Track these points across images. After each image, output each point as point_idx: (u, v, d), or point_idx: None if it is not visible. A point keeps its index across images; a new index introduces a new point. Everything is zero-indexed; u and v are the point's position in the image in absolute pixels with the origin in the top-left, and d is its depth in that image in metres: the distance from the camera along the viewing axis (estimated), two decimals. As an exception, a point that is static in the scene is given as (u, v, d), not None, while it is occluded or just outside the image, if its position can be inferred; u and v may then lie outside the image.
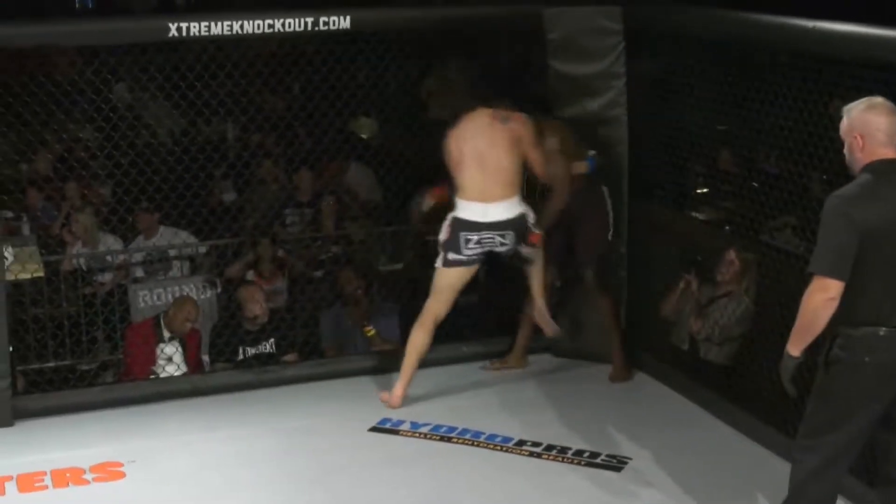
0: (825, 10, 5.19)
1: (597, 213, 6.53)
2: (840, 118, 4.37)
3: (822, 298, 4.18)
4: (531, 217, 6.23)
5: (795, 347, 4.30)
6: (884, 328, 4.21)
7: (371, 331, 7.28)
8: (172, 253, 7.73)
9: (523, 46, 7.29)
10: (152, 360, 6.95)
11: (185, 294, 7.46)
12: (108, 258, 7.64)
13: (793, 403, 5.42)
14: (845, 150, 4.34)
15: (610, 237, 6.59)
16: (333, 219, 8.15)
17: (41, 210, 7.75)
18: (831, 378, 4.31)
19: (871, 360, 4.22)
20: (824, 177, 5.71)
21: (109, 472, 5.72)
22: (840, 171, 5.26)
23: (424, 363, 6.47)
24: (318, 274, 7.92)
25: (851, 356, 4.25)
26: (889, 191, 4.20)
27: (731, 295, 6.17)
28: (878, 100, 4.30)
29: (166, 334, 6.98)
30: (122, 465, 5.77)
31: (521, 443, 5.95)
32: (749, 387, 5.99)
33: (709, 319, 6.21)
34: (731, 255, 6.16)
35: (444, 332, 6.44)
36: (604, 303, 6.64)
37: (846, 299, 4.19)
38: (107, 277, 7.70)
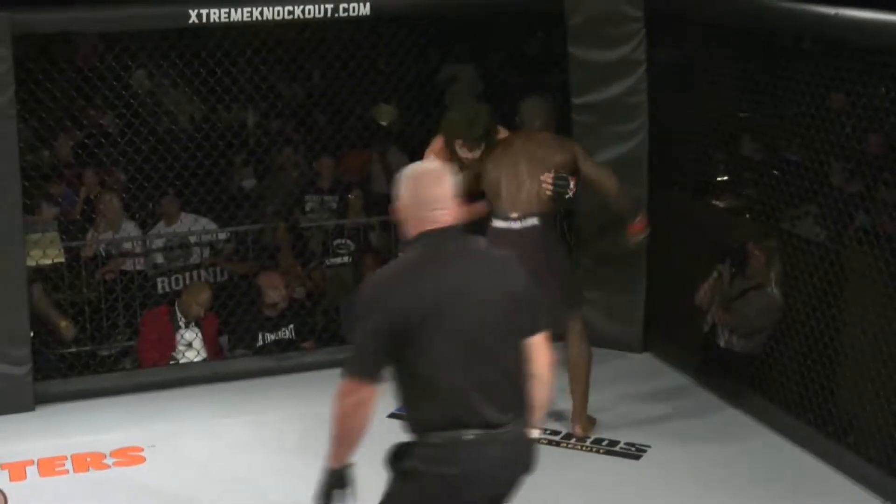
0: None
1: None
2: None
3: (348, 403, 3.54)
4: None
5: (335, 459, 3.64)
6: (471, 431, 3.53)
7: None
8: (193, 239, 7.74)
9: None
10: (170, 345, 6.97)
11: (199, 281, 7.48)
12: (129, 245, 7.65)
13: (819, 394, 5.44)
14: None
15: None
16: (360, 211, 8.15)
17: (63, 196, 7.77)
18: (411, 492, 3.62)
19: (460, 469, 3.53)
20: (846, 165, 5.70)
21: (130, 456, 5.75)
22: (861, 160, 5.25)
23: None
24: (340, 261, 7.92)
25: (432, 468, 3.55)
26: (441, 268, 3.58)
27: (760, 287, 6.12)
28: (422, 167, 3.77)
29: (182, 320, 7.01)
30: (142, 449, 5.80)
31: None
32: (769, 375, 5.98)
33: (735, 313, 6.17)
34: (751, 247, 6.11)
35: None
36: None
37: (412, 400, 3.59)
38: (128, 264, 7.71)
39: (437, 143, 6.09)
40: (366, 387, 3.53)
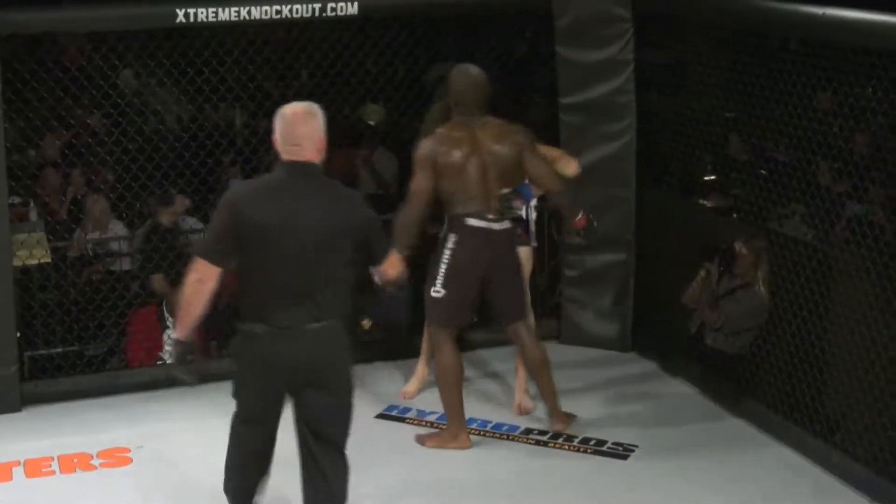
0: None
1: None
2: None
3: (193, 279, 4.31)
4: None
5: (179, 329, 4.42)
6: (264, 326, 4.28)
7: (367, 324, 7.21)
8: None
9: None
10: (158, 345, 6.96)
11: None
12: (116, 244, 7.63)
13: (807, 393, 5.44)
14: None
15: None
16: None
17: (52, 195, 7.75)
18: (234, 373, 4.46)
19: (252, 354, 4.33)
20: (833, 165, 5.70)
21: (117, 457, 5.74)
22: (848, 160, 5.26)
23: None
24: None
25: (237, 350, 4.40)
26: (289, 193, 4.28)
27: (748, 286, 6.12)
28: (294, 107, 4.41)
29: (169, 320, 7.00)
30: (129, 450, 5.79)
31: (527, 431, 5.96)
32: (757, 374, 5.99)
33: (722, 311, 6.17)
34: (740, 246, 6.12)
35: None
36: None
37: (241, 294, 4.34)
38: (115, 264, 7.69)
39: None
40: (209, 267, 4.27)
